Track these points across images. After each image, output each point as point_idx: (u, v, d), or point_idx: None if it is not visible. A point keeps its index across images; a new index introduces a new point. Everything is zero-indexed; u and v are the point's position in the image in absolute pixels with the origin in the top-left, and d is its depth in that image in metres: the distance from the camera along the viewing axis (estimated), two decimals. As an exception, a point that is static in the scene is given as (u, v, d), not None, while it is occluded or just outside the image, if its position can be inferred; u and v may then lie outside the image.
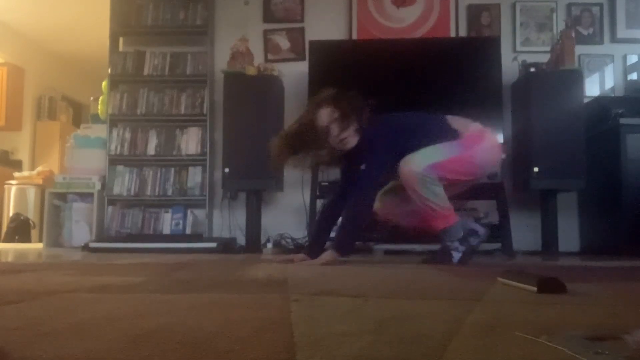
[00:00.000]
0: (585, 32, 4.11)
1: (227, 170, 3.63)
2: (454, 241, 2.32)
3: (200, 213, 4.14)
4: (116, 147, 4.17)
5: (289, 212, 4.08)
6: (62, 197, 4.22)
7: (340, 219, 2.47)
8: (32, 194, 5.50)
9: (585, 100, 3.66)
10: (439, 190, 2.27)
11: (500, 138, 3.59)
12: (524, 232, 3.66)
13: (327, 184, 3.59)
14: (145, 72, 4.22)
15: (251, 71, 3.74)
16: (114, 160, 4.18)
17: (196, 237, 3.93)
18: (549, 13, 4.13)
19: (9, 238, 5.17)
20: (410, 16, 4.20)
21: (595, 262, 2.81)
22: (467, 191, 3.30)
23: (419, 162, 2.26)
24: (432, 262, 2.38)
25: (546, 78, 3.57)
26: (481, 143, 2.41)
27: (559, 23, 4.02)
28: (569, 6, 4.13)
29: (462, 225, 2.35)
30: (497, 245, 3.41)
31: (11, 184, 5.52)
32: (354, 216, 2.34)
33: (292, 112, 4.01)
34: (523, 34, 4.13)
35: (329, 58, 3.81)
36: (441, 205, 2.28)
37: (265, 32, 4.28)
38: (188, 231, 4.05)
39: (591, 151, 3.46)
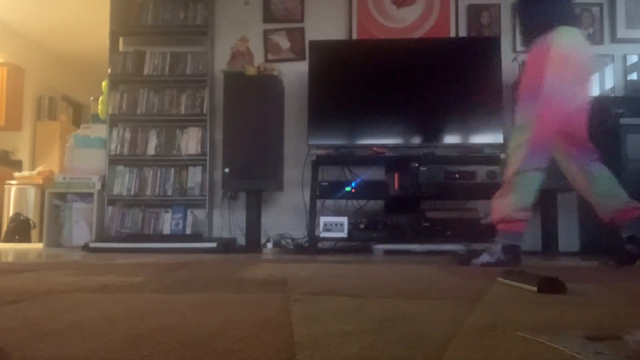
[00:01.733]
0: (585, 32, 4.11)
1: (227, 170, 3.63)
2: (499, 244, 2.27)
3: (200, 213, 4.14)
4: (116, 147, 4.17)
5: (289, 212, 4.08)
6: (62, 197, 4.22)
7: None
8: (32, 194, 5.50)
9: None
10: (535, 184, 2.23)
11: (500, 138, 3.60)
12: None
13: (326, 184, 3.59)
14: (145, 72, 4.21)
15: (251, 71, 3.74)
16: (114, 160, 4.17)
17: (196, 237, 3.93)
18: (549, 13, 4.12)
19: (9, 238, 5.17)
20: (410, 16, 4.20)
21: (595, 262, 2.81)
22: (467, 191, 3.29)
23: (517, 150, 2.23)
24: (460, 262, 2.36)
25: (546, 78, 3.56)
26: (545, 68, 2.17)
27: (559, 23, 4.02)
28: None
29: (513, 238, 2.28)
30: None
31: (11, 184, 5.51)
32: None
33: (292, 112, 4.03)
34: (523, 34, 4.13)
35: (329, 58, 3.81)
36: (518, 208, 2.24)
37: (265, 32, 4.28)
38: (188, 231, 4.04)
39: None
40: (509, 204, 2.25)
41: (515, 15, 2.43)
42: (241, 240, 3.88)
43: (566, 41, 2.20)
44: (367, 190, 3.60)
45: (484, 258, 2.27)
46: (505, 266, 2.16)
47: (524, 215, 2.27)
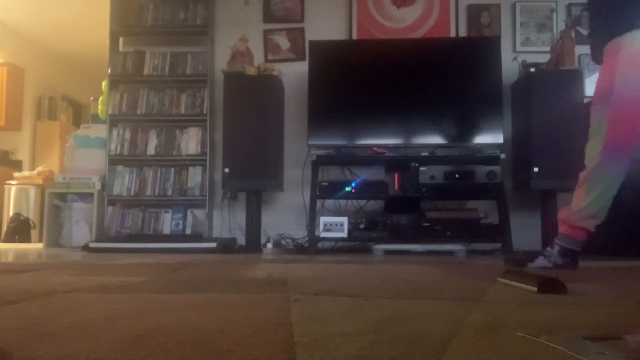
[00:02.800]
0: (585, 32, 4.11)
1: (227, 170, 3.63)
2: (555, 246, 2.19)
3: (200, 213, 4.14)
4: (116, 147, 4.17)
5: (289, 212, 4.09)
6: (62, 197, 4.22)
7: None
8: (32, 194, 5.50)
9: (585, 100, 3.66)
10: (610, 192, 2.13)
11: (500, 138, 3.60)
12: (524, 232, 3.66)
13: (326, 184, 3.59)
14: (145, 72, 4.21)
15: (251, 71, 3.74)
16: (114, 160, 4.18)
17: (196, 237, 3.93)
18: (549, 13, 4.13)
19: (9, 238, 5.17)
20: (410, 16, 4.20)
21: (595, 262, 2.81)
22: (467, 191, 3.26)
23: (593, 156, 2.13)
24: (508, 263, 2.27)
25: (546, 78, 3.57)
26: (614, 71, 2.07)
27: (559, 23, 4.02)
28: (569, 6, 4.13)
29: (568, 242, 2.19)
30: (497, 245, 3.41)
31: (11, 184, 5.51)
32: None
33: (292, 112, 4.03)
34: (523, 34, 4.13)
35: (329, 58, 3.81)
36: (585, 213, 2.14)
37: (265, 32, 4.28)
38: (188, 231, 4.04)
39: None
40: (580, 207, 2.16)
41: (588, 19, 2.35)
42: (241, 240, 3.88)
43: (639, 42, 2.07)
44: (367, 190, 3.60)
45: (541, 262, 2.18)
46: (563, 270, 2.08)
47: (590, 225, 2.17)
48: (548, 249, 2.22)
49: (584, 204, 2.15)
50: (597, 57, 2.25)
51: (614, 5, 2.15)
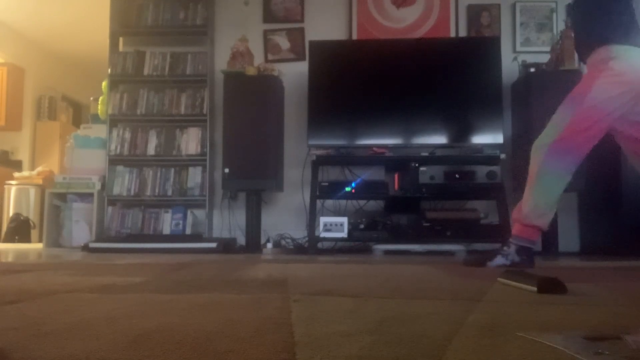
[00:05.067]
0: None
1: (227, 170, 3.63)
2: (511, 245, 2.22)
3: (200, 213, 4.14)
4: (116, 147, 4.17)
5: (289, 212, 4.09)
6: (62, 197, 4.22)
7: None
8: (32, 194, 5.50)
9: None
10: (555, 189, 2.15)
11: (500, 138, 3.60)
12: (524, 232, 3.65)
13: (327, 184, 3.59)
14: (145, 72, 4.21)
15: (251, 71, 3.75)
16: (114, 160, 4.17)
17: (196, 237, 3.93)
18: (549, 13, 4.13)
19: (9, 238, 5.17)
20: (410, 16, 4.20)
21: (595, 262, 2.81)
22: (467, 191, 3.24)
23: (541, 149, 2.16)
24: (468, 264, 2.32)
25: (546, 78, 3.57)
26: (596, 80, 2.08)
27: (559, 23, 4.02)
28: (569, 6, 4.12)
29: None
30: (497, 246, 3.41)
31: (11, 184, 5.52)
32: None
33: (292, 112, 4.03)
34: (523, 34, 4.13)
35: (329, 58, 3.81)
36: (534, 213, 2.17)
37: (265, 32, 4.28)
38: (188, 231, 4.04)
39: (591, 151, 3.44)
40: (528, 206, 2.19)
41: (571, 22, 2.36)
42: (241, 240, 3.88)
43: (631, 60, 2.08)
44: (367, 190, 3.60)
45: (499, 260, 2.21)
46: (519, 268, 2.10)
47: (541, 223, 2.19)
48: (505, 248, 2.25)
49: (532, 204, 2.19)
50: (585, 57, 2.26)
51: (609, 10, 2.14)
